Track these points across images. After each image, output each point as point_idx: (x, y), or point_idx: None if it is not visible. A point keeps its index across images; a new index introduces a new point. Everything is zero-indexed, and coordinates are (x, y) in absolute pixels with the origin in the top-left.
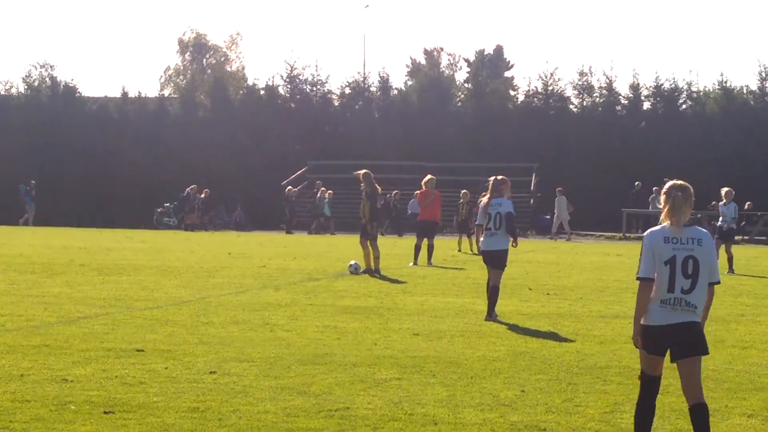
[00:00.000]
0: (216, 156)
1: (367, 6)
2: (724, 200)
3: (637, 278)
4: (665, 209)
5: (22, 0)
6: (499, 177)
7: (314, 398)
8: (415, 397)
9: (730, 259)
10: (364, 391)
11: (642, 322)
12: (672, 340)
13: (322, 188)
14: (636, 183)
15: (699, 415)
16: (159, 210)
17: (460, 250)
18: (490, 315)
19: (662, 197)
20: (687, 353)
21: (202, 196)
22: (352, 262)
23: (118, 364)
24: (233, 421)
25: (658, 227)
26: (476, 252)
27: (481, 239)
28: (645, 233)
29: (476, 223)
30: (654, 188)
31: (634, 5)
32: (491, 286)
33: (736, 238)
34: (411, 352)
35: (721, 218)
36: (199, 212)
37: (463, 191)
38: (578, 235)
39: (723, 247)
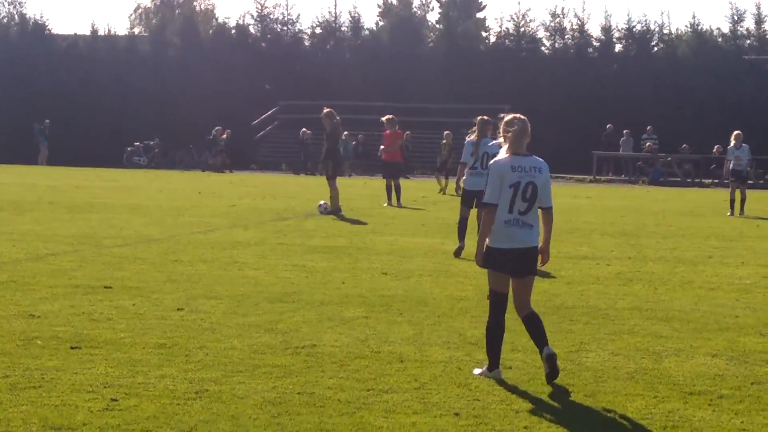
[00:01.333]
0: (186, 96)
1: None
2: (734, 143)
3: (484, 203)
4: (509, 140)
5: None
6: (485, 117)
7: (281, 335)
8: (381, 335)
9: (743, 201)
10: (331, 329)
11: (488, 243)
12: (513, 261)
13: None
14: (607, 125)
15: (533, 323)
16: (129, 149)
17: (444, 192)
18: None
19: (502, 129)
20: (524, 273)
21: (224, 137)
22: (322, 202)
23: (86, 300)
24: (200, 357)
25: (502, 157)
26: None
27: (464, 178)
28: (491, 163)
29: (461, 160)
30: (624, 131)
31: None
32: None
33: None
34: (379, 291)
35: (734, 161)
36: (225, 153)
37: (445, 132)
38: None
39: (738, 189)
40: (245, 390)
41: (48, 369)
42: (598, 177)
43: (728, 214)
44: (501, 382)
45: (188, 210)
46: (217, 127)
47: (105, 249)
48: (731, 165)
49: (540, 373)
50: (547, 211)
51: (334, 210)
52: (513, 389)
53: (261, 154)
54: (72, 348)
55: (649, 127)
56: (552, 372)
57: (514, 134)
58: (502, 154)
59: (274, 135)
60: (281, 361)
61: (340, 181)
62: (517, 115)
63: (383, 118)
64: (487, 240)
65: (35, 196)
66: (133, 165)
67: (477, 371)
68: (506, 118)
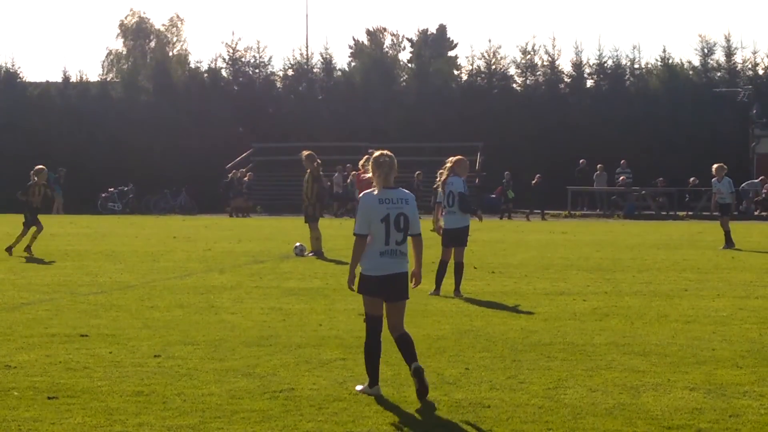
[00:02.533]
0: (159, 140)
1: None
2: (716, 176)
3: (354, 234)
4: (376, 176)
5: None
6: (457, 157)
7: (259, 380)
8: (359, 377)
9: (727, 233)
10: (308, 372)
11: (362, 271)
12: (387, 287)
13: (353, 171)
14: (581, 161)
15: (405, 342)
16: (103, 195)
17: None
18: (458, 291)
19: (371, 166)
20: (398, 298)
21: (246, 179)
22: (298, 244)
23: (62, 349)
24: (177, 404)
25: (371, 191)
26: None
27: (441, 218)
28: (361, 196)
29: (437, 201)
30: (598, 165)
31: None
32: (457, 263)
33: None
34: (356, 333)
35: (718, 195)
36: (246, 196)
37: (417, 172)
38: (522, 213)
39: (721, 221)
40: None
41: (25, 420)
42: (572, 212)
43: (721, 247)
44: (480, 422)
45: (163, 255)
46: (237, 169)
47: (80, 296)
48: (716, 198)
49: (519, 411)
50: (417, 238)
51: (317, 252)
52: (491, 429)
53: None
54: (49, 398)
55: (623, 161)
56: (421, 387)
57: (381, 170)
58: (373, 189)
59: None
60: (259, 406)
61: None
62: (384, 152)
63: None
64: (361, 267)
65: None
66: (108, 211)
67: (359, 388)
68: (374, 155)
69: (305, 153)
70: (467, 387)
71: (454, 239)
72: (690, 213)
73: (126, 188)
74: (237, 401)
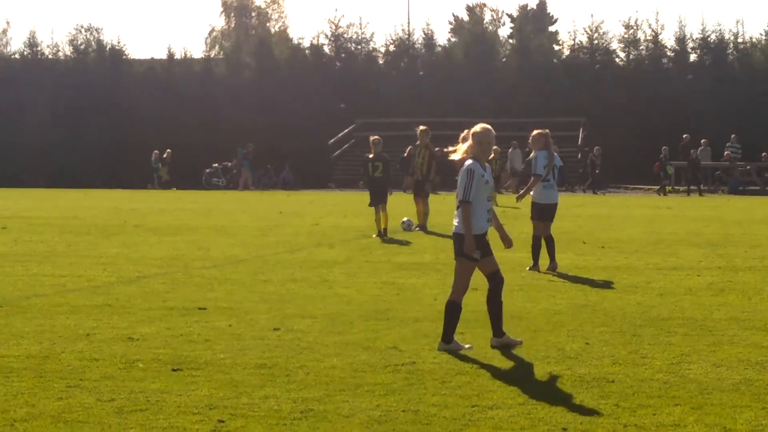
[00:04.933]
0: (263, 116)
1: None
2: None
3: (468, 201)
4: (480, 149)
5: None
6: (546, 131)
7: (380, 353)
8: (480, 350)
9: None
10: (428, 346)
11: (474, 231)
12: (486, 243)
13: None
14: (684, 135)
15: (499, 282)
16: (208, 171)
17: (496, 204)
18: (554, 263)
19: (474, 139)
20: (490, 252)
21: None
22: (405, 219)
23: (182, 322)
24: (301, 377)
25: (473, 162)
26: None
27: (535, 191)
28: (468, 167)
29: (535, 172)
30: (702, 140)
31: None
32: (549, 237)
33: None
34: (471, 306)
35: None
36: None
37: (494, 147)
38: (626, 189)
39: None
40: (350, 409)
41: (152, 391)
42: (676, 187)
43: None
44: (604, 397)
45: (272, 230)
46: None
47: (194, 271)
48: None
49: (644, 386)
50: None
51: (422, 227)
52: (617, 403)
53: (338, 173)
54: (173, 370)
55: (733, 136)
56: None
57: (486, 146)
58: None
59: (350, 153)
60: (382, 379)
61: (406, 198)
62: (485, 127)
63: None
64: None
65: (120, 220)
66: (212, 186)
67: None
68: (478, 129)
69: (421, 128)
70: (589, 361)
71: (550, 214)
72: None
73: (230, 164)
74: (360, 374)
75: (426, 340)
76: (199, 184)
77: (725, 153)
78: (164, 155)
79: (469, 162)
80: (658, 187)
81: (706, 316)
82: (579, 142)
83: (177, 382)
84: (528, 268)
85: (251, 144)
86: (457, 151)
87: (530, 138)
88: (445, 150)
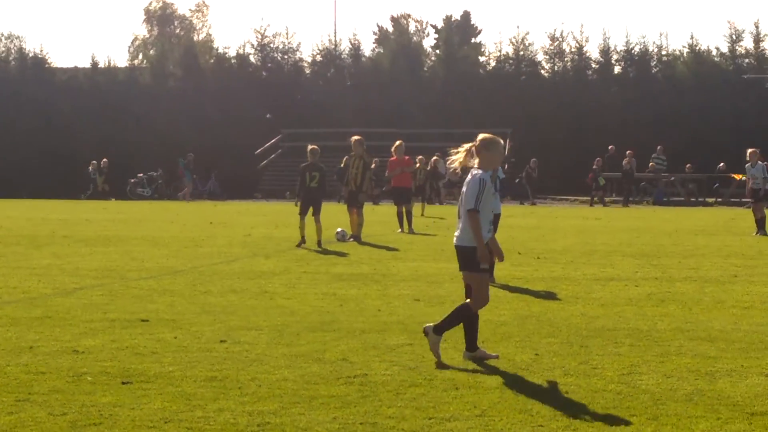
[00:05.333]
0: (188, 126)
1: None
2: (750, 161)
3: (476, 210)
4: (491, 158)
5: None
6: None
7: (330, 365)
8: (430, 362)
9: (760, 220)
10: (378, 357)
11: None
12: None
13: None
14: (609, 147)
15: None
16: (132, 181)
17: (422, 215)
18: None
19: (481, 147)
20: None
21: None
22: (339, 230)
23: (126, 334)
24: (254, 389)
25: (481, 172)
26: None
27: None
28: (480, 176)
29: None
30: (627, 152)
31: None
32: None
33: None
34: (416, 318)
35: (752, 180)
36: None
37: (419, 157)
38: (553, 199)
39: (753, 207)
40: (307, 421)
41: (104, 405)
42: (615, 198)
43: (754, 233)
44: (560, 408)
45: (204, 241)
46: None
47: (131, 282)
48: (750, 184)
49: (598, 397)
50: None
51: (357, 237)
52: (573, 414)
53: (265, 183)
54: (123, 383)
55: (659, 147)
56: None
57: (497, 155)
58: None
59: (277, 163)
60: (336, 391)
61: (341, 209)
62: (494, 137)
63: (393, 147)
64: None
65: (48, 230)
66: (137, 196)
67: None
68: (485, 138)
69: (355, 138)
70: (540, 373)
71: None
72: (719, 199)
73: (155, 174)
74: (313, 386)
75: (375, 351)
76: (124, 194)
77: (650, 164)
78: (101, 165)
79: (479, 172)
80: (590, 197)
81: (650, 326)
82: (506, 153)
83: (128, 395)
84: None
85: (191, 154)
86: (457, 160)
87: None
88: (447, 159)
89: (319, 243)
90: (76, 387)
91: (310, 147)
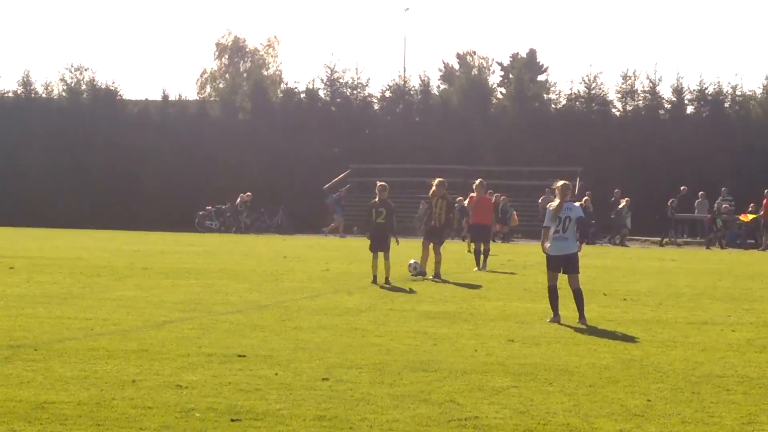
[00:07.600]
0: (256, 159)
1: (408, 9)
2: None
3: (545, 226)
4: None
5: (62, 3)
6: (566, 182)
7: (438, 407)
8: (540, 405)
9: None
10: (485, 400)
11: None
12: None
13: (624, 198)
14: (681, 187)
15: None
16: (201, 213)
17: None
18: (583, 318)
19: (565, 189)
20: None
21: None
22: (412, 261)
23: (226, 369)
24: (364, 430)
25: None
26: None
27: (547, 244)
28: (580, 205)
29: (544, 225)
30: (699, 192)
31: (676, 7)
32: (575, 290)
33: None
34: (516, 359)
35: None
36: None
37: (458, 198)
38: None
39: None
40: None
41: None
42: (674, 239)
43: None
44: None
45: (284, 275)
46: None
47: (219, 315)
48: None
49: None
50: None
51: (436, 274)
52: None
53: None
54: (232, 420)
55: (723, 189)
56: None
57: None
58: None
59: (345, 198)
60: None
61: (412, 244)
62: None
63: (475, 184)
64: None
65: (125, 262)
66: (205, 229)
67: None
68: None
69: (437, 180)
70: (656, 420)
71: (567, 265)
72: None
73: (223, 206)
74: (425, 428)
75: (481, 393)
76: (192, 227)
77: (723, 206)
78: (237, 201)
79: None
80: (706, 239)
81: (760, 374)
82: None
83: None
84: (548, 320)
85: (343, 189)
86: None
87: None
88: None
89: (386, 280)
90: (186, 423)
91: (379, 183)
